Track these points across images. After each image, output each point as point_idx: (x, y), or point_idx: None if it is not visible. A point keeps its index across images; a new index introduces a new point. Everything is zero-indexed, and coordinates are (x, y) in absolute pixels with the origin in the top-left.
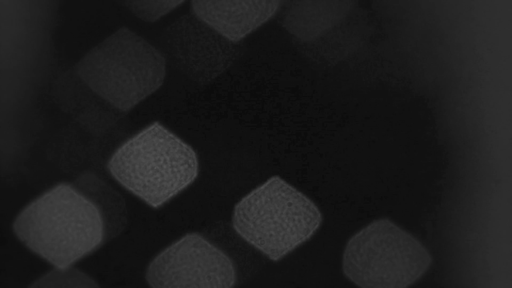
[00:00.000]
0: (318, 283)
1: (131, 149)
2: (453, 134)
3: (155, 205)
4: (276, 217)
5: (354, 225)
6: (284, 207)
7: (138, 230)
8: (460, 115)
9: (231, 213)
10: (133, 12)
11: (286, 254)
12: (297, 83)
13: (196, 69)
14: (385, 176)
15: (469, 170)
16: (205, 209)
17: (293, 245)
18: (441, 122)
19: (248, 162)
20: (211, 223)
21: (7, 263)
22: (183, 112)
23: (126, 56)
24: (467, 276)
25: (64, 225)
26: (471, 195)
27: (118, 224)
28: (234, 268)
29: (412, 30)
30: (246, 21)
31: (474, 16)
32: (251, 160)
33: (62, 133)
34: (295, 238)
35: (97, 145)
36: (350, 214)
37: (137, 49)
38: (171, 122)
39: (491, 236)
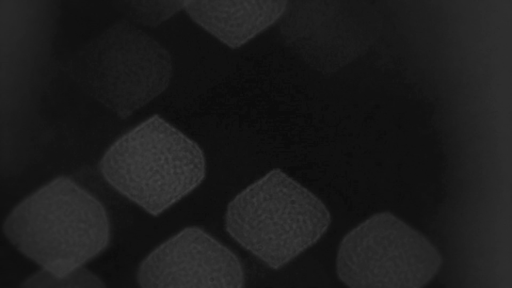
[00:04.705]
0: None
1: (126, 146)
2: (456, 131)
3: (154, 213)
4: (277, 217)
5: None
6: (286, 205)
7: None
8: (463, 112)
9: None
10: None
11: (289, 261)
12: (300, 84)
13: (198, 74)
14: (388, 173)
15: (475, 166)
16: (210, 209)
17: (297, 251)
18: (444, 120)
19: (248, 156)
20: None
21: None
22: (183, 109)
23: (128, 54)
24: (474, 277)
25: (63, 225)
26: (477, 192)
27: (123, 224)
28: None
29: (413, 32)
30: (247, 25)
31: (476, 16)
32: (251, 153)
33: (58, 130)
34: (299, 242)
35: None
36: (357, 213)
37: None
38: (172, 117)
39: (499, 234)
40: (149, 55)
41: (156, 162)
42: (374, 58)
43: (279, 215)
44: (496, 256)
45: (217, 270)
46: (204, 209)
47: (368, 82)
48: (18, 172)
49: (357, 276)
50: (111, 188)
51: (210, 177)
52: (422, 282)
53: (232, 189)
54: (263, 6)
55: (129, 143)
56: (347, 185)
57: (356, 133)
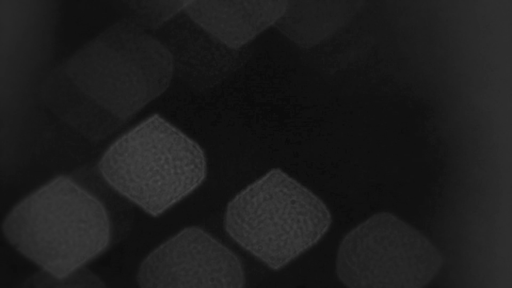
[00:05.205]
0: None
1: (126, 146)
2: (456, 132)
3: (154, 213)
4: (277, 217)
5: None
6: (286, 205)
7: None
8: (463, 113)
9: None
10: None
11: (289, 262)
12: (300, 84)
13: (198, 74)
14: (388, 173)
15: (475, 167)
16: (210, 209)
17: (297, 252)
18: (444, 121)
19: (248, 155)
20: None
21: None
22: (183, 109)
23: (128, 53)
24: (474, 277)
25: (63, 225)
26: (477, 192)
27: (123, 224)
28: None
29: (412, 33)
30: (247, 25)
31: (476, 16)
32: (250, 152)
33: (58, 130)
34: (299, 243)
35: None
36: (357, 213)
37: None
38: (172, 117)
39: (499, 235)
40: (149, 55)
41: (156, 162)
42: (375, 59)
43: (279, 215)
44: (496, 256)
45: (217, 270)
46: (204, 209)
47: (368, 83)
48: (18, 172)
49: (357, 276)
50: (111, 188)
51: (210, 177)
52: (422, 282)
53: (232, 189)
54: (263, 6)
55: (129, 143)
56: (348, 185)
57: (356, 133)
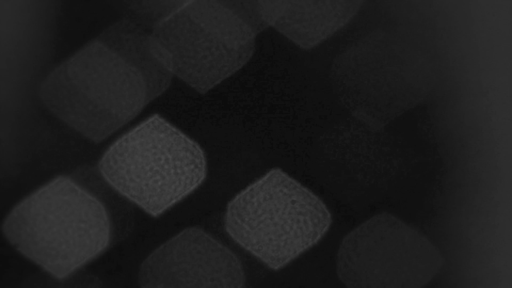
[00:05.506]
0: None
1: (126, 146)
2: (456, 132)
3: (154, 213)
4: (277, 217)
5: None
6: (286, 205)
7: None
8: (463, 113)
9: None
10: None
11: (289, 262)
12: (300, 84)
13: (198, 74)
14: (388, 173)
15: (475, 166)
16: (210, 209)
17: (298, 252)
18: (444, 120)
19: (248, 155)
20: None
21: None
22: (183, 109)
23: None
24: (474, 277)
25: (63, 225)
26: (477, 192)
27: (125, 225)
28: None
29: (412, 34)
30: (247, 25)
31: (475, 17)
32: (250, 152)
33: (58, 130)
34: (299, 243)
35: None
36: (357, 213)
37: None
38: (172, 117)
39: (499, 235)
40: (149, 55)
41: (156, 162)
42: (375, 59)
43: (279, 215)
44: (496, 256)
45: (217, 270)
46: (204, 209)
47: (368, 83)
48: (18, 172)
49: (357, 276)
50: (111, 188)
51: (210, 177)
52: (423, 282)
53: (232, 189)
54: (263, 6)
55: (129, 143)
56: (348, 185)
57: (357, 133)
